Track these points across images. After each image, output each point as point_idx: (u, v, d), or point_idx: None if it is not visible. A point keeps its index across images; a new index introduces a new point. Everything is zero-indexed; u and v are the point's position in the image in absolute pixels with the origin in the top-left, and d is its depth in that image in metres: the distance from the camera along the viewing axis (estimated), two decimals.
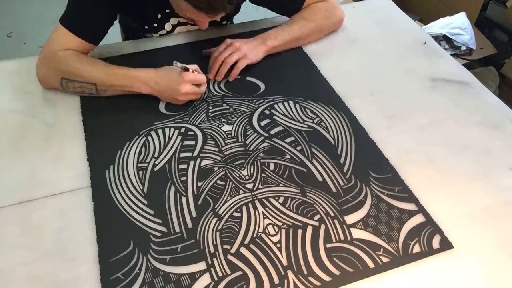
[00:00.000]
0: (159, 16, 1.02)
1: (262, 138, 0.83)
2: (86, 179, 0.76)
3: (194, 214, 0.71)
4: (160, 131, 0.84)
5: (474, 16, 2.14)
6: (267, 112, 0.88)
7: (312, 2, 1.04)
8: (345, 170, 0.77)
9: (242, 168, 0.78)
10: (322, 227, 0.69)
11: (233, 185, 0.75)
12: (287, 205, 0.72)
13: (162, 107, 0.89)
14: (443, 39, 1.97)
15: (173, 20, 1.05)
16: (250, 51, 0.95)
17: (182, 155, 0.80)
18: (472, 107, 0.91)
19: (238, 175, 0.77)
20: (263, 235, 0.68)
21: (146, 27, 1.05)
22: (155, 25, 1.04)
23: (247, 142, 0.82)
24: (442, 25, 2.00)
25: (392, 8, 1.23)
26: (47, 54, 0.89)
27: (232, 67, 0.95)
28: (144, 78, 0.87)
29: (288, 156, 0.80)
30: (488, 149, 0.82)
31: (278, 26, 1.02)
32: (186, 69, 0.87)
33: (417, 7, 2.42)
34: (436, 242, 0.67)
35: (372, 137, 0.84)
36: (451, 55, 1.31)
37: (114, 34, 1.13)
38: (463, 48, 1.97)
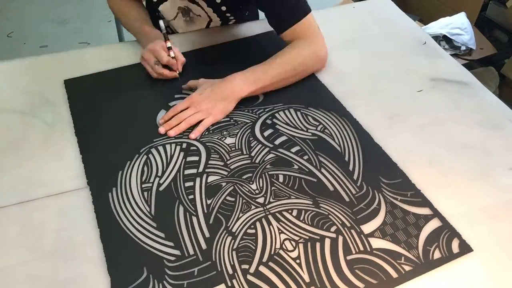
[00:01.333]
0: None
1: (267, 149, 0.81)
2: (85, 179, 0.76)
3: (207, 234, 0.68)
4: (161, 148, 0.81)
5: (474, 16, 2.15)
6: (268, 121, 0.86)
7: (300, 36, 0.94)
8: (355, 177, 0.76)
9: (251, 182, 0.76)
10: (340, 238, 0.68)
11: (244, 201, 0.73)
12: (301, 218, 0.70)
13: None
14: (443, 39, 1.98)
15: None
16: (216, 108, 0.86)
17: (187, 172, 0.77)
18: (472, 107, 0.91)
19: (247, 190, 0.74)
20: (281, 251, 0.66)
21: None
22: None
23: (252, 154, 0.80)
24: (442, 25, 2.00)
25: (392, 8, 1.23)
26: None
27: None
28: (147, 36, 0.99)
29: (296, 167, 0.78)
30: (488, 149, 0.83)
31: (256, 66, 0.90)
32: (165, 36, 0.93)
33: (417, 7, 2.42)
34: (455, 246, 0.66)
35: (373, 137, 0.84)
36: (451, 55, 1.33)
37: (113, 35, 1.11)
38: (463, 48, 1.98)
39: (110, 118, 0.87)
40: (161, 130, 0.84)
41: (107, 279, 0.63)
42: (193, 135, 0.83)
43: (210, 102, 0.86)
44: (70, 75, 0.96)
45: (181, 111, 0.85)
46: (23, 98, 0.91)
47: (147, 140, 0.82)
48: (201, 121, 0.85)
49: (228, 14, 1.09)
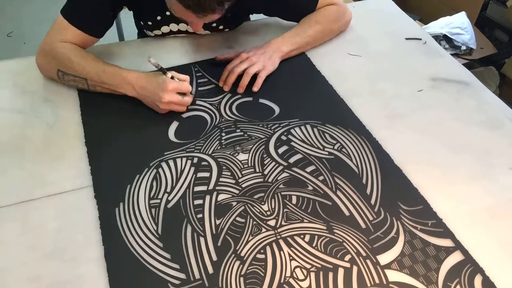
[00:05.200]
0: (159, 18, 1.00)
1: (281, 167, 0.78)
2: (86, 179, 0.75)
3: (214, 257, 0.65)
4: (171, 162, 0.78)
5: (474, 15, 2.15)
6: (283, 138, 0.83)
7: (323, 6, 1.03)
8: (372, 202, 0.72)
9: (262, 203, 0.72)
10: (355, 268, 0.64)
11: (254, 223, 0.70)
12: (314, 244, 0.67)
13: (171, 135, 0.83)
14: (443, 39, 1.97)
15: (173, 26, 1.03)
16: (267, 62, 0.94)
17: (197, 188, 0.75)
18: (473, 107, 0.91)
19: (258, 211, 0.71)
20: (291, 280, 0.63)
21: (149, 22, 1.02)
22: (150, 23, 1.01)
23: (265, 172, 0.77)
24: (442, 24, 2.00)
25: (392, 8, 1.23)
26: (46, 45, 0.90)
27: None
28: (131, 80, 0.85)
29: (310, 188, 0.75)
30: (488, 148, 0.82)
31: (291, 30, 1.01)
32: (163, 71, 0.85)
33: (417, 7, 2.42)
34: (478, 283, 0.62)
35: (374, 137, 0.82)
36: (451, 54, 1.33)
37: (113, 34, 1.09)
38: (463, 47, 1.97)
39: (121, 129, 0.85)
40: (225, 88, 0.93)
41: (107, 279, 0.62)
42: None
43: (259, 57, 0.93)
44: None
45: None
46: (23, 98, 0.90)
47: (158, 153, 0.80)
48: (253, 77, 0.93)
49: (221, 27, 1.07)
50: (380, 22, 1.15)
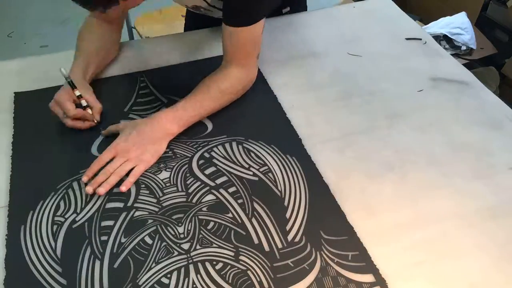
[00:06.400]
0: None
1: (207, 188, 0.73)
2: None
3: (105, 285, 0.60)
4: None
5: (475, 16, 2.15)
6: (206, 155, 0.78)
7: (232, 54, 0.85)
8: (288, 228, 0.67)
9: (180, 224, 0.68)
10: None
11: (164, 244, 0.65)
12: (223, 273, 0.62)
13: (94, 150, 0.79)
14: (443, 39, 1.97)
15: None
16: (146, 153, 0.76)
17: (112, 205, 0.70)
18: (473, 107, 0.90)
19: (172, 233, 0.66)
20: None
21: None
22: None
23: (190, 191, 0.72)
24: (442, 25, 2.00)
25: (392, 8, 1.22)
26: None
27: None
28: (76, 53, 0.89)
29: (230, 215, 0.69)
30: (488, 149, 0.81)
31: (193, 100, 0.81)
32: (72, 85, 0.79)
33: (418, 7, 2.42)
34: None
35: (373, 137, 0.82)
36: (452, 55, 1.31)
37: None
38: (464, 48, 1.96)
39: (46, 141, 0.81)
40: (88, 190, 0.70)
41: None
42: (124, 187, 0.72)
43: (138, 148, 0.75)
44: None
45: (108, 162, 0.75)
46: None
47: (76, 169, 0.75)
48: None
49: None
50: (380, 22, 1.13)
